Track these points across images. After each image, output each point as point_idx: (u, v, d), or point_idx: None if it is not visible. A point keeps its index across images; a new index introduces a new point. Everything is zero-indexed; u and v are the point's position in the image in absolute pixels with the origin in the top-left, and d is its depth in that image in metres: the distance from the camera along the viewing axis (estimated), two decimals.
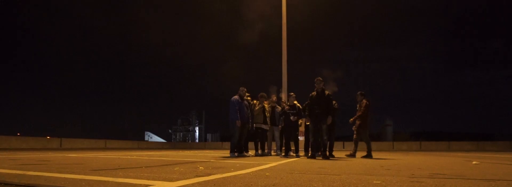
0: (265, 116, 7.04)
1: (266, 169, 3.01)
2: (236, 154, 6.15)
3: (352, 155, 6.21)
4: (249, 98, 7.08)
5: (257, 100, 7.29)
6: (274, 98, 7.65)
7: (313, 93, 6.04)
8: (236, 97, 6.35)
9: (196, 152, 10.71)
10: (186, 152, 10.50)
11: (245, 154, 6.53)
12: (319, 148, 6.51)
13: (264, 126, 7.00)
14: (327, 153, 5.71)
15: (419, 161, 5.11)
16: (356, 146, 6.37)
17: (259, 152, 6.93)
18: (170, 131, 70.63)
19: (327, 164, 3.98)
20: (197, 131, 67.66)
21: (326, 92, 5.86)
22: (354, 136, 6.46)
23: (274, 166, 3.38)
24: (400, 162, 4.55)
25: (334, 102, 6.09)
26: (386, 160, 5.14)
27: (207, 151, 11.60)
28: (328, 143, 6.11)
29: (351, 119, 6.32)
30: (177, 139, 66.29)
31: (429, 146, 23.61)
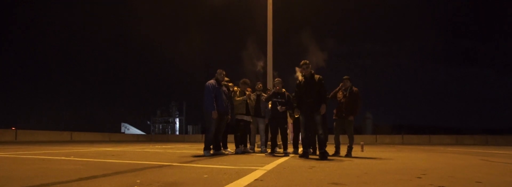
0: (248, 106, 5.91)
1: None
2: (211, 151, 5.01)
3: (337, 153, 5.24)
4: (230, 84, 5.90)
5: (238, 87, 6.13)
6: (260, 85, 6.53)
7: (301, 80, 4.97)
8: (212, 81, 5.15)
9: (170, 146, 9.46)
10: (157, 146, 9.22)
11: (223, 151, 5.40)
12: (311, 145, 5.50)
13: (246, 118, 5.88)
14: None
15: (424, 161, 4.21)
16: (338, 142, 5.40)
17: (241, 148, 5.83)
18: (148, 122, 68.20)
19: (331, 169, 2.93)
20: (177, 122, 65.65)
21: (317, 76, 4.80)
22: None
23: (260, 180, 2.27)
24: (411, 163, 3.60)
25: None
26: (389, 161, 4.19)
27: (182, 145, 10.36)
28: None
29: (351, 117, 5.24)
30: (156, 131, 64.12)
31: (411, 139, 23.65)
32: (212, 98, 4.94)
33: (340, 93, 5.36)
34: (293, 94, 6.12)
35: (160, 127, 65.53)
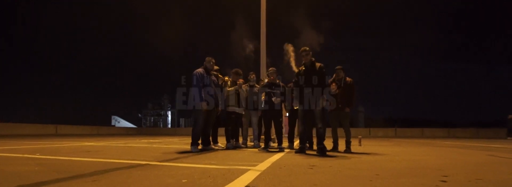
0: (239, 97, 5.44)
1: None
2: (200, 147, 4.56)
3: (335, 148, 4.87)
4: (220, 75, 5.42)
5: (229, 77, 5.64)
6: (253, 76, 6.05)
7: (300, 68, 4.54)
8: (200, 70, 4.65)
9: (158, 140, 8.97)
10: (143, 140, 8.71)
11: (213, 146, 4.94)
12: (309, 139, 5.10)
13: (238, 110, 5.42)
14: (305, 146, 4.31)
15: (433, 157, 3.86)
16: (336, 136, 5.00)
17: (232, 143, 5.39)
18: (140, 115, 67.25)
19: (335, 169, 2.51)
20: (169, 115, 64.89)
21: (318, 64, 4.36)
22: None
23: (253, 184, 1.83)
24: (422, 161, 3.22)
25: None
26: (396, 158, 3.81)
27: (171, 139, 9.88)
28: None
29: (348, 109, 4.84)
30: (147, 124, 63.31)
31: (404, 132, 23.70)
32: (200, 88, 4.46)
33: (334, 85, 4.94)
34: (289, 85, 5.68)
35: (152, 120, 64.69)
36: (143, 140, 8.81)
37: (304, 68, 4.48)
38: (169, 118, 64.32)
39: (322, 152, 4.09)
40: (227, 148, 5.04)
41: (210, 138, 5.02)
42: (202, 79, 4.55)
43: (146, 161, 2.96)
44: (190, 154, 3.88)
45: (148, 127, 55.33)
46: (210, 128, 4.81)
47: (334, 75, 4.97)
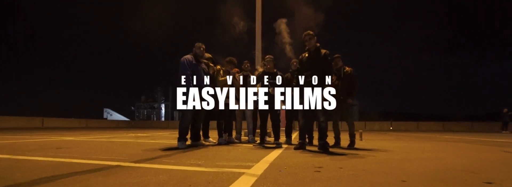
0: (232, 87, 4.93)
1: None
2: (188, 142, 4.08)
3: (337, 143, 4.45)
4: (211, 64, 4.90)
5: (222, 66, 5.12)
6: (247, 65, 5.54)
7: (303, 55, 4.06)
8: (188, 56, 4.13)
9: (147, 134, 8.45)
10: (131, 134, 8.18)
11: (203, 141, 4.45)
12: (309, 134, 4.66)
13: (231, 102, 4.92)
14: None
15: (451, 154, 3.44)
16: (338, 130, 4.57)
17: (225, 137, 4.93)
18: (132, 108, 66.32)
19: (348, 173, 2.05)
20: (163, 108, 64.10)
21: (323, 51, 3.90)
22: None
23: None
24: (445, 160, 2.79)
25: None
26: (411, 156, 3.39)
27: (161, 133, 9.37)
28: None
29: (350, 100, 4.40)
30: (140, 117, 62.50)
31: (399, 125, 23.62)
32: (189, 76, 3.94)
33: (333, 75, 4.49)
34: (287, 75, 5.20)
35: (145, 113, 63.89)
36: (130, 134, 8.28)
37: (307, 55, 3.99)
38: (163, 111, 63.58)
39: (324, 148, 3.65)
40: (219, 144, 4.57)
41: (201, 133, 4.54)
42: (191, 67, 4.04)
43: (118, 161, 2.46)
44: (176, 151, 3.39)
45: (140, 120, 54.58)
46: (200, 121, 4.32)
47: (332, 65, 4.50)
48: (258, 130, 5.86)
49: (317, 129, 4.59)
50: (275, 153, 3.23)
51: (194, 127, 4.24)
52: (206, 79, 4.23)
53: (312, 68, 3.86)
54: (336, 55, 4.47)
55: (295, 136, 6.48)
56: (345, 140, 4.46)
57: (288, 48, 5.43)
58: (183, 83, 3.90)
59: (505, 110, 17.75)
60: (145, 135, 7.96)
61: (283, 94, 4.61)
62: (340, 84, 4.35)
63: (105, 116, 64.10)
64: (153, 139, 5.87)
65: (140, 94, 66.62)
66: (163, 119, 61.47)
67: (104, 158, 2.70)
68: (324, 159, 2.76)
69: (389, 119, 25.46)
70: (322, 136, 3.80)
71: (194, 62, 4.12)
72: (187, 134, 3.94)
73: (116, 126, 24.12)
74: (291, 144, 4.83)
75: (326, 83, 3.78)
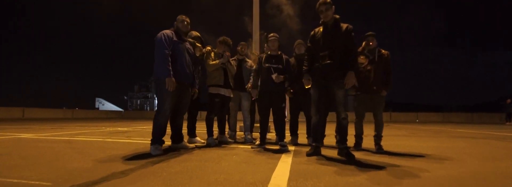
0: (226, 74, 3.94)
1: None
2: (169, 143, 3.12)
3: (358, 145, 3.54)
4: (198, 44, 3.88)
5: (212, 48, 4.10)
6: (243, 47, 4.54)
7: (316, 30, 3.06)
8: (167, 31, 3.09)
9: (130, 127, 7.46)
10: (109, 128, 7.18)
11: (186, 144, 3.46)
12: (322, 134, 3.76)
13: (224, 92, 3.93)
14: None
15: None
16: (360, 129, 3.60)
17: (216, 137, 3.98)
18: (125, 97, 64.88)
19: None
20: (156, 98, 62.77)
21: (344, 25, 2.91)
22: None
23: None
24: None
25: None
26: (465, 164, 2.47)
27: (147, 126, 8.37)
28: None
29: (384, 92, 3.43)
30: (133, 107, 61.27)
31: (398, 116, 23.02)
32: (167, 57, 2.92)
33: (362, 57, 3.50)
34: (291, 60, 4.21)
35: (138, 103, 62.60)
36: (109, 128, 7.27)
37: (322, 29, 2.99)
38: (156, 101, 62.36)
39: (347, 155, 2.73)
40: (208, 145, 3.61)
41: (186, 131, 3.57)
42: (171, 45, 3.01)
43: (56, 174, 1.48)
44: (144, 161, 2.43)
45: (133, 110, 53.40)
46: (181, 116, 3.32)
47: (363, 44, 3.50)
48: (257, 125, 4.94)
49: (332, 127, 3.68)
50: (285, 166, 2.28)
51: (174, 124, 3.26)
52: (189, 61, 3.22)
53: (329, 47, 2.87)
54: (370, 33, 3.47)
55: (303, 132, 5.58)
56: (368, 141, 3.55)
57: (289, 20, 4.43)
58: (159, 66, 2.89)
59: (508, 101, 17.14)
60: (125, 129, 6.97)
61: (290, 81, 3.63)
62: (373, 70, 3.37)
63: (97, 106, 62.66)
64: (129, 136, 4.87)
65: (134, 83, 65.04)
66: (156, 108, 60.39)
67: (26, 176, 1.72)
68: (360, 179, 1.82)
69: (388, 109, 24.74)
70: (343, 138, 2.86)
71: (175, 39, 3.09)
72: (163, 135, 2.96)
73: (105, 116, 23.02)
74: (298, 144, 3.91)
75: (351, 67, 2.82)
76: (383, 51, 3.43)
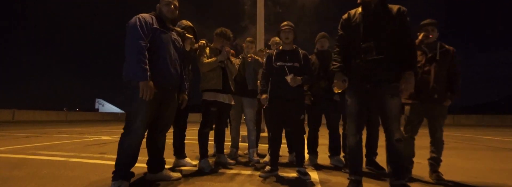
0: (226, 76, 3.03)
1: None
2: (129, 182, 2.20)
3: (408, 171, 2.60)
4: (188, 35, 2.96)
5: (207, 41, 3.19)
6: (250, 44, 3.65)
7: (354, 11, 2.13)
8: (146, 15, 2.16)
9: (114, 136, 6.58)
10: (91, 138, 6.29)
11: (169, 173, 2.50)
12: (369, 158, 2.84)
13: (223, 98, 3.01)
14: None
15: None
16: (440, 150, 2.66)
17: (208, 160, 3.09)
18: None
19: None
20: None
21: (395, 7, 2.00)
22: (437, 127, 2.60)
23: None
24: None
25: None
26: None
27: None
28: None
29: (448, 102, 2.48)
30: None
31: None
32: (143, 52, 2.00)
33: (419, 54, 2.56)
34: (312, 56, 3.31)
35: None
36: (91, 138, 6.37)
37: (361, 10, 2.09)
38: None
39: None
40: (201, 170, 2.69)
41: (160, 153, 2.66)
42: (149, 34, 2.10)
43: None
44: None
45: None
46: (163, 135, 2.39)
47: (419, 37, 2.56)
48: (264, 145, 4.04)
49: (364, 147, 2.83)
50: None
51: (153, 146, 2.33)
52: (176, 57, 2.30)
53: (375, 36, 1.97)
54: (428, 21, 2.54)
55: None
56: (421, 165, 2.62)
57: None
58: (131, 64, 1.98)
59: None
60: (109, 138, 6.07)
61: (307, 80, 2.71)
62: (433, 71, 2.44)
63: (96, 107, 62.00)
64: (104, 152, 3.94)
65: None
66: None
67: None
68: None
69: None
70: (398, 170, 1.95)
71: (155, 26, 2.17)
72: (133, 164, 2.03)
73: (100, 119, 22.14)
74: (318, 166, 3.00)
75: (409, 66, 1.92)
76: (446, 46, 2.51)
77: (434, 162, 2.51)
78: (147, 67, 1.98)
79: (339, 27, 2.19)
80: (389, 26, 1.96)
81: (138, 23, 2.05)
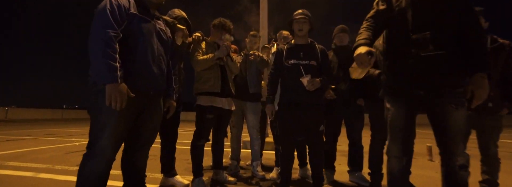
0: (225, 75, 2.49)
1: None
2: None
3: None
4: (180, 26, 2.39)
5: (203, 34, 2.64)
6: (253, 39, 3.11)
7: None
8: None
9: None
10: (78, 142, 5.78)
11: None
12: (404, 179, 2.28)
13: (222, 103, 2.47)
14: None
15: None
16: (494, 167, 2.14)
17: (203, 179, 2.56)
18: None
19: None
20: None
21: None
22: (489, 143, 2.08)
23: None
24: None
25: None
26: None
27: None
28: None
29: (505, 110, 1.95)
30: None
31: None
32: (112, 44, 1.45)
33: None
34: (330, 52, 2.78)
35: None
36: (77, 142, 5.86)
37: None
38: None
39: None
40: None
41: (137, 172, 2.13)
42: (123, 22, 1.54)
43: None
44: None
45: None
46: (143, 154, 1.83)
47: None
48: (269, 158, 3.51)
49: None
50: None
51: (130, 168, 1.79)
52: (160, 52, 1.75)
53: (433, 24, 1.43)
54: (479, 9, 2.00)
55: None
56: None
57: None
58: (97, 61, 1.43)
59: None
60: (76, 152, 5.56)
61: (326, 81, 2.16)
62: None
63: None
64: (72, 161, 3.44)
65: None
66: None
67: None
68: None
69: None
70: None
71: (133, 11, 1.62)
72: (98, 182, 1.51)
73: None
74: (334, 183, 2.48)
75: (480, 67, 1.38)
76: (501, 40, 1.96)
77: (489, 186, 1.99)
78: (117, 64, 1.43)
79: (373, 16, 1.62)
80: (451, 10, 1.42)
81: (107, 6, 1.51)
